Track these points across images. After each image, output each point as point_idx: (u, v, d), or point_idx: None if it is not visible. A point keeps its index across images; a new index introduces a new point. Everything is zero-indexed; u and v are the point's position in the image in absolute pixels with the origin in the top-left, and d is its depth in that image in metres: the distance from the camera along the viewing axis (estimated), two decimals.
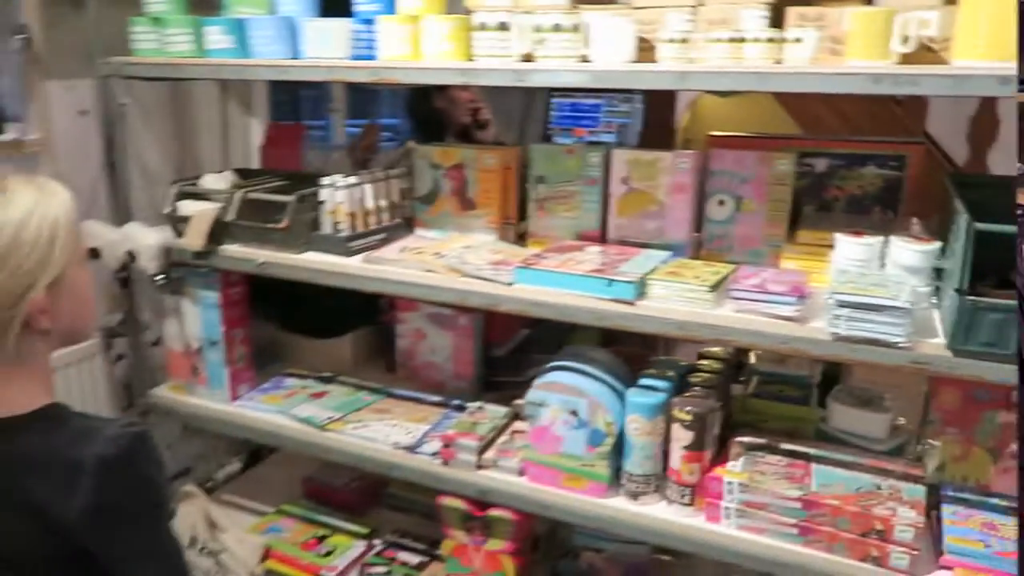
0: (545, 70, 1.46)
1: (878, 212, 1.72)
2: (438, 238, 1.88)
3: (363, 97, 4.43)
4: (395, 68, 1.59)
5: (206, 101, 2.50)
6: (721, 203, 1.68)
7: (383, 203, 1.90)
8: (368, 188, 1.85)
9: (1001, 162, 2.54)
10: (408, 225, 1.95)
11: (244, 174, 2.07)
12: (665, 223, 1.68)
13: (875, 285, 1.32)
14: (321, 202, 1.82)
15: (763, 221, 1.64)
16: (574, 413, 1.59)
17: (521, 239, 1.87)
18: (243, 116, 2.60)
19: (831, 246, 1.51)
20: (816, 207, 1.77)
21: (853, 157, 1.72)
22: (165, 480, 1.05)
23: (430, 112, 2.69)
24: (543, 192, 1.80)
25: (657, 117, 3.54)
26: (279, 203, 1.81)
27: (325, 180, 1.81)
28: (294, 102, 4.17)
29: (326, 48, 1.64)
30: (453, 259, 1.66)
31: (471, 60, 1.54)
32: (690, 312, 1.43)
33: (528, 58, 1.50)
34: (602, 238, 1.77)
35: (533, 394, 1.64)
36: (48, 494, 0.91)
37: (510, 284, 1.57)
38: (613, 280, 1.47)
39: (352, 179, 1.82)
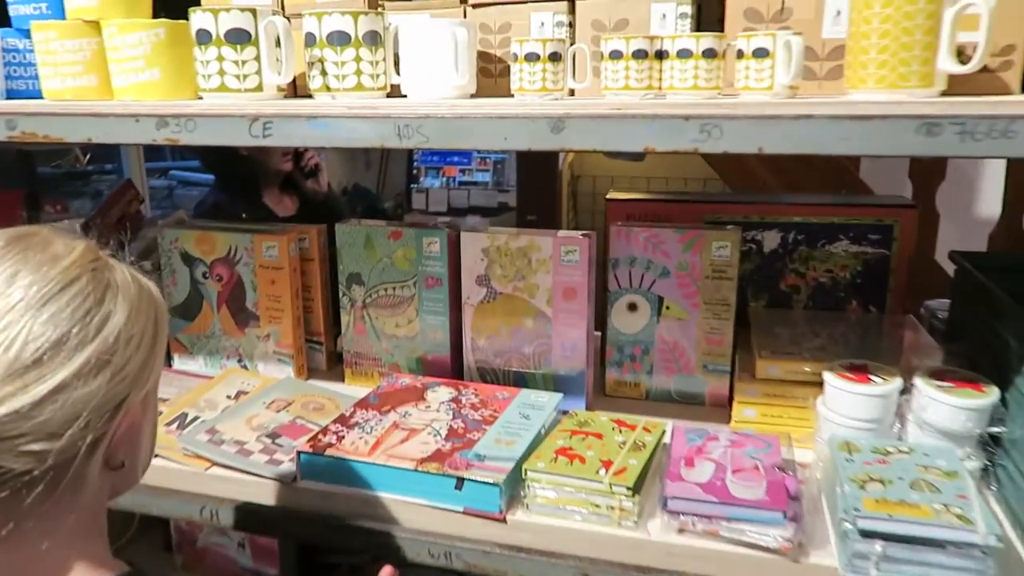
0: (293, 115, 0.79)
1: (856, 309, 1.18)
2: (192, 380, 1.20)
3: None
4: (47, 114, 0.87)
5: None
6: (632, 308, 1.09)
7: None
8: None
9: (952, 205, 2.09)
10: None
11: None
12: (550, 345, 1.08)
13: (916, 491, 0.75)
14: None
15: (696, 333, 1.07)
16: None
17: (338, 363, 1.22)
18: None
19: (810, 382, 0.95)
20: (765, 303, 1.21)
21: (819, 228, 1.17)
22: None
23: (230, 157, 2.00)
24: (360, 297, 1.16)
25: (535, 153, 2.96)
26: None
27: None
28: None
29: None
30: (195, 435, 0.99)
31: (196, 97, 0.88)
32: (600, 540, 0.82)
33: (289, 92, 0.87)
34: (455, 368, 1.14)
35: None
36: None
37: (292, 482, 0.92)
38: (468, 478, 0.85)
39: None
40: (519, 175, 2.91)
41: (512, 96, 0.87)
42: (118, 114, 0.75)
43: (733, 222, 1.13)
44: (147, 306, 0.62)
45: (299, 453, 0.91)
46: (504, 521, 0.84)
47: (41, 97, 0.93)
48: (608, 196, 1.25)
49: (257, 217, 1.92)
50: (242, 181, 2.02)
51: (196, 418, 1.03)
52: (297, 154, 2.11)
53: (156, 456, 0.95)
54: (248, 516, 0.91)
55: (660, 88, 0.82)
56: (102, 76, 0.83)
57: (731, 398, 1.04)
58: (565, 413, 1.01)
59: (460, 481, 0.84)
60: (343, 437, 0.93)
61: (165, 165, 3.69)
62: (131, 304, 0.60)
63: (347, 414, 0.99)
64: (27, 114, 0.79)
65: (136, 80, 0.81)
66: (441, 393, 1.04)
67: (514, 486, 0.86)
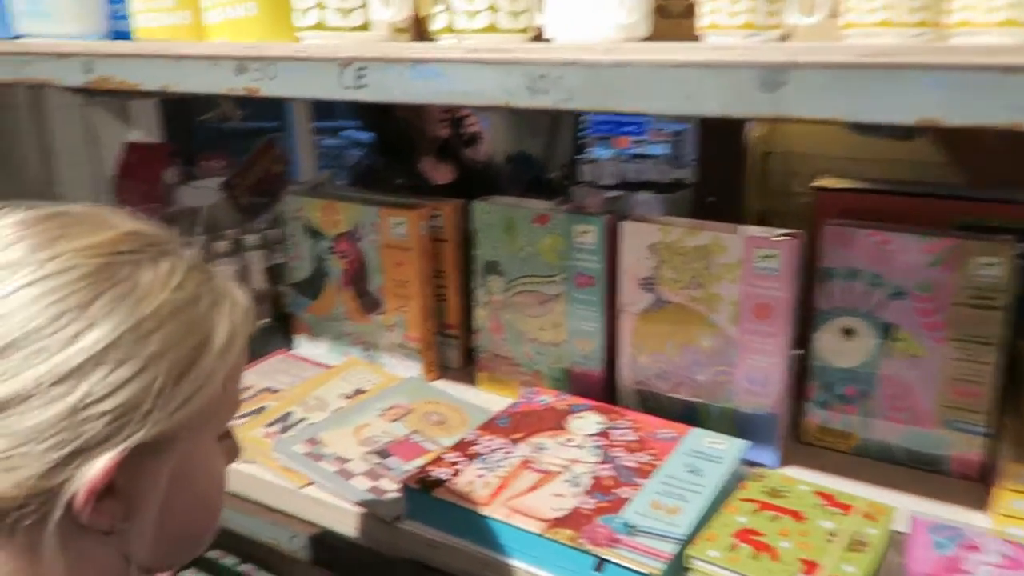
0: (394, 60, 0.56)
1: None
2: (311, 369, 1.06)
3: None
4: (120, 55, 0.70)
5: (65, 109, 1.74)
6: (848, 334, 0.82)
7: None
8: None
9: None
10: (284, 330, 1.14)
11: None
12: (732, 374, 0.83)
13: None
14: None
15: (939, 377, 0.78)
16: None
17: (469, 361, 1.04)
18: (120, 129, 1.83)
19: None
20: None
21: None
22: None
23: (384, 116, 1.88)
24: (499, 290, 0.97)
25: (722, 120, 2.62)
26: None
27: None
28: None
29: (54, 20, 0.83)
30: (293, 444, 0.84)
31: (295, 40, 0.70)
32: None
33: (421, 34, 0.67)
34: (607, 389, 0.93)
35: None
36: None
37: (395, 520, 0.75)
38: (612, 561, 0.63)
39: None
40: (700, 147, 2.60)
41: (698, 39, 0.63)
42: (193, 56, 0.59)
43: (1003, 229, 0.83)
44: (179, 330, 0.45)
45: (406, 486, 0.73)
46: None
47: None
48: (817, 184, 0.97)
49: (412, 185, 1.79)
50: (396, 145, 1.90)
51: (301, 420, 0.89)
52: (456, 119, 1.96)
53: (250, 462, 0.82)
54: (338, 554, 0.75)
55: (944, 25, 0.55)
56: (196, 12, 0.68)
57: (987, 471, 0.76)
58: (751, 465, 0.77)
59: (601, 562, 0.63)
60: (460, 472, 0.74)
61: (337, 125, 3.68)
62: (139, 320, 0.43)
63: (470, 439, 0.80)
64: (102, 56, 0.65)
65: (230, 15, 0.64)
66: (588, 422, 0.83)
67: (675, 571, 0.64)
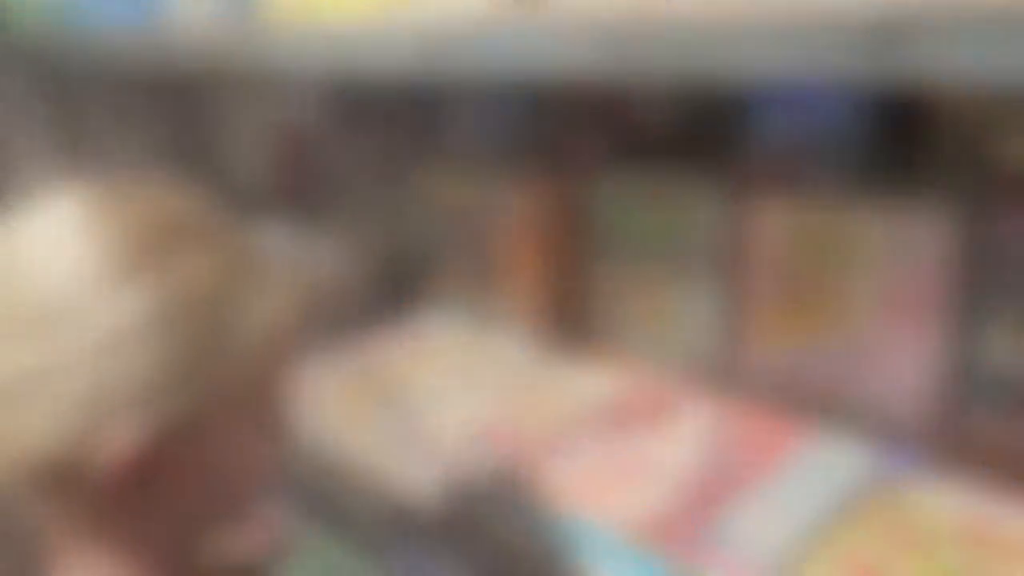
0: None
1: None
2: (439, 340, 1.05)
3: None
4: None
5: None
6: None
7: None
8: None
9: None
10: (412, 302, 1.15)
11: None
12: (874, 369, 0.72)
13: None
14: None
15: None
16: None
17: (590, 338, 0.99)
18: None
19: None
20: None
21: None
22: None
23: None
24: (616, 271, 0.91)
25: None
26: None
27: None
28: None
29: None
30: (386, 420, 0.82)
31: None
32: None
33: None
34: (730, 380, 0.84)
35: None
36: None
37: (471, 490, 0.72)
38: None
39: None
40: None
41: None
42: None
43: None
44: (212, 315, 0.44)
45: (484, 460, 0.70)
46: None
47: None
48: (995, 152, 0.81)
49: None
50: None
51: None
52: None
53: None
54: (418, 524, 0.74)
55: None
56: None
57: None
58: (887, 480, 0.66)
59: None
60: (550, 456, 0.70)
61: None
62: (172, 299, 0.42)
63: (565, 419, 0.76)
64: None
65: None
66: (701, 415, 0.75)
67: None
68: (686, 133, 0.93)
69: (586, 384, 0.91)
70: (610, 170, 0.90)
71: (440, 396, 0.87)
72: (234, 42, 0.76)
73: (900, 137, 1.23)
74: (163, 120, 1.44)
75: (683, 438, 0.72)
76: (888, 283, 0.68)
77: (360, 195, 1.25)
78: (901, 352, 0.69)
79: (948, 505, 0.62)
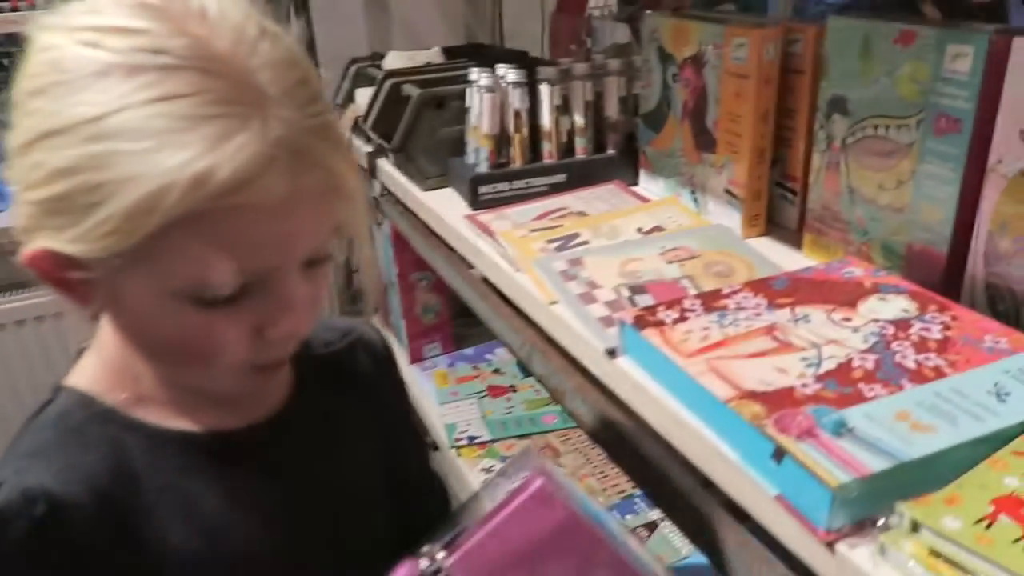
0: None
1: None
2: (633, 202, 0.99)
3: None
4: None
5: None
6: None
7: (579, 121, 1.08)
8: (545, 91, 1.05)
9: None
10: (631, 164, 1.09)
11: (463, 52, 1.43)
12: None
13: None
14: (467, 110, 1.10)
15: None
16: None
17: (801, 227, 0.87)
18: None
19: None
20: None
21: None
22: None
23: None
24: (841, 133, 0.77)
25: None
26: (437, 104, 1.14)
27: (474, 74, 1.07)
28: None
29: None
30: (554, 260, 0.80)
31: None
32: None
33: None
34: (948, 278, 0.68)
35: None
36: None
37: (611, 355, 0.68)
38: (791, 453, 0.48)
39: (511, 74, 1.04)
40: None
41: None
42: None
43: None
44: (153, 144, 0.41)
45: (622, 321, 0.66)
46: (831, 550, 0.46)
47: None
48: None
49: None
50: None
51: (583, 243, 0.86)
52: None
53: (518, 271, 0.83)
54: (551, 372, 0.72)
55: None
56: None
57: None
58: None
59: (780, 452, 0.49)
60: (686, 320, 0.63)
61: None
62: (117, 115, 0.41)
63: (724, 292, 0.68)
64: None
65: None
66: (890, 306, 0.63)
67: (874, 505, 0.46)
68: None
69: (799, 266, 0.81)
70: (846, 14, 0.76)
71: (618, 247, 0.83)
72: None
73: None
74: None
75: (863, 323, 0.61)
76: None
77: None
78: None
79: None
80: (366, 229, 0.53)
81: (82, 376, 0.55)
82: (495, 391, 1.41)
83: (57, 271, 0.45)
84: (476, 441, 1.27)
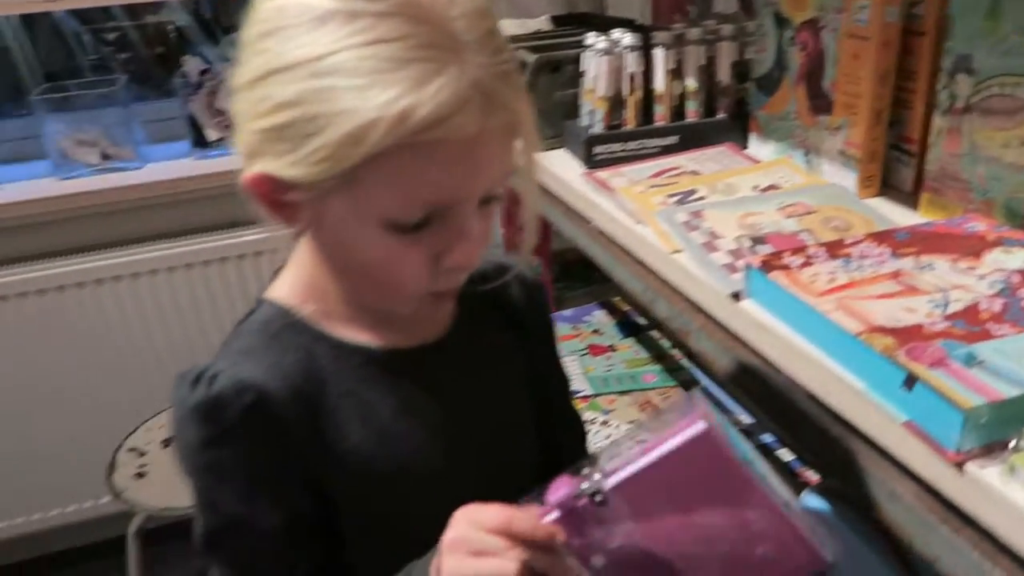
0: None
1: None
2: (745, 163, 1.02)
3: None
4: None
5: None
6: None
7: (691, 85, 1.11)
8: (659, 55, 1.09)
9: None
10: (741, 128, 1.12)
11: (571, 20, 1.47)
12: None
13: None
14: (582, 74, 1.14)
15: None
16: None
17: (917, 188, 0.89)
18: None
19: None
20: None
21: None
22: None
23: None
24: (965, 93, 0.79)
25: None
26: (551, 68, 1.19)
27: (590, 39, 1.12)
28: None
29: None
30: (676, 213, 0.84)
31: None
32: None
33: None
34: None
35: None
36: None
37: (735, 296, 0.72)
38: (923, 379, 0.52)
39: (627, 38, 1.08)
40: None
41: None
42: None
43: None
44: (359, 84, 0.47)
45: (748, 265, 0.70)
46: (960, 470, 0.50)
47: None
48: None
49: None
50: None
51: (701, 198, 0.90)
52: None
53: (638, 223, 0.87)
54: (675, 314, 0.77)
55: None
56: None
57: None
58: None
59: (911, 379, 0.53)
60: (811, 264, 0.67)
61: None
62: (334, 56, 0.47)
63: (847, 241, 0.71)
64: None
65: None
66: (1015, 257, 0.66)
67: (1003, 429, 0.49)
68: None
69: (897, 217, 0.83)
70: None
71: (738, 201, 0.87)
72: None
73: None
74: None
75: (987, 271, 0.64)
76: None
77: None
78: None
79: None
80: (535, 172, 0.59)
81: (280, 290, 0.63)
82: (595, 350, 1.46)
83: (272, 193, 0.53)
84: (578, 395, 1.33)
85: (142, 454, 1.62)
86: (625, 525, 0.53)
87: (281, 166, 0.51)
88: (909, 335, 0.56)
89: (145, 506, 1.47)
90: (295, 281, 0.63)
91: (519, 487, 0.56)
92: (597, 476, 0.52)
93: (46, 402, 1.82)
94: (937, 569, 0.49)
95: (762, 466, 0.53)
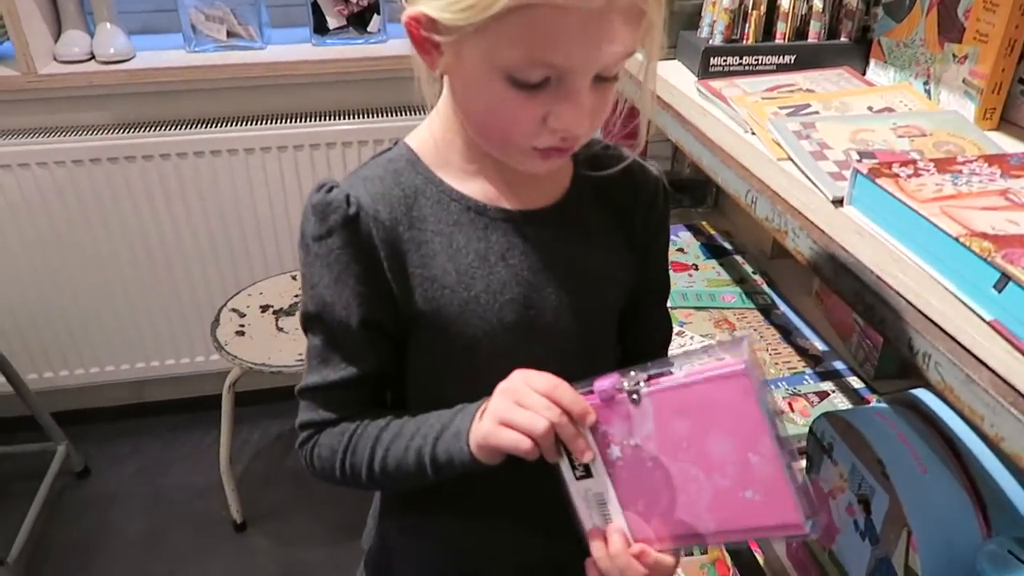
0: None
1: None
2: (861, 85, 1.01)
3: None
4: None
5: None
6: None
7: (817, 5, 1.10)
8: None
9: None
10: (862, 53, 1.11)
11: None
12: None
13: None
14: None
15: None
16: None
17: None
18: None
19: None
20: None
21: None
22: None
23: None
24: None
25: None
26: None
27: None
28: None
29: None
30: (786, 122, 0.85)
31: None
32: None
33: None
34: None
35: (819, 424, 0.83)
36: None
37: (838, 202, 0.74)
38: (1016, 279, 0.54)
39: None
40: None
41: None
42: None
43: None
44: None
45: (854, 170, 0.72)
46: None
47: None
48: None
49: None
50: None
51: (814, 112, 0.91)
52: None
53: (749, 132, 0.89)
54: (776, 213, 0.79)
55: None
56: None
57: None
58: None
59: (1004, 280, 0.55)
60: (919, 175, 0.69)
61: None
62: None
63: (958, 160, 0.72)
64: None
65: None
66: None
67: None
68: None
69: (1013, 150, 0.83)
70: None
71: (851, 118, 0.88)
72: None
73: None
74: None
75: None
76: None
77: None
78: None
79: None
80: (656, 61, 0.62)
81: (414, 138, 0.71)
82: (677, 267, 1.49)
83: (423, 32, 0.59)
84: None
85: (242, 315, 1.75)
86: (647, 427, 0.60)
87: (435, 8, 0.56)
88: (1008, 242, 0.58)
89: (243, 359, 1.60)
90: (428, 131, 0.70)
91: (583, 368, 0.62)
92: (641, 379, 0.59)
93: (158, 262, 1.96)
94: (1002, 449, 0.52)
95: (781, 427, 0.58)
